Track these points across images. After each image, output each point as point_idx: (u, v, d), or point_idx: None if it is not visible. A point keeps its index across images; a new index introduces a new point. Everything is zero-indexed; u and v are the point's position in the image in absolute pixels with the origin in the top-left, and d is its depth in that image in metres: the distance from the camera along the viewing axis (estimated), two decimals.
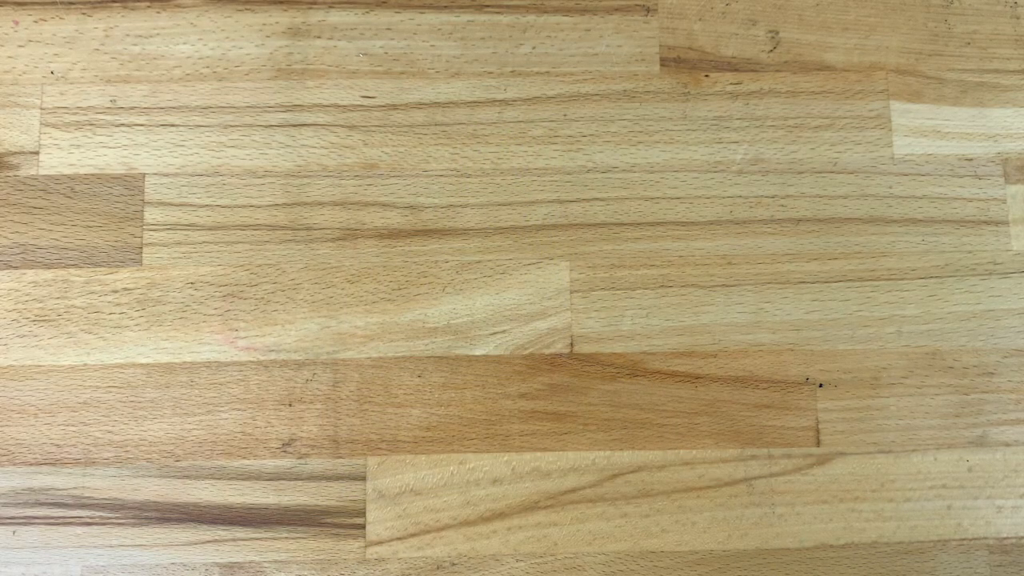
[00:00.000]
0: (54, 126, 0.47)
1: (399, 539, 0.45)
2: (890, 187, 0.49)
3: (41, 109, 0.48)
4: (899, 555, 0.46)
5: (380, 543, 0.45)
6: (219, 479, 0.45)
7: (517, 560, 0.45)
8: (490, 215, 0.48)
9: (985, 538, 0.47)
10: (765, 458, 0.47)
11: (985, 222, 0.49)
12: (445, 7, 0.49)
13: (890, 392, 0.47)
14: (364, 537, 0.45)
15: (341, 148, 0.48)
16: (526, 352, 0.47)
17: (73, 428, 0.45)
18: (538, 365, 0.47)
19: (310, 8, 0.49)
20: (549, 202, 0.48)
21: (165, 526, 0.45)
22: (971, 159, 0.49)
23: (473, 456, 0.46)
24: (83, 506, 0.45)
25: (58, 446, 0.45)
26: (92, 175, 0.47)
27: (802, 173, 0.49)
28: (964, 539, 0.47)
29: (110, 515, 0.45)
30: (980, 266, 0.49)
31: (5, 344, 0.46)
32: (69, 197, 0.47)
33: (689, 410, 0.47)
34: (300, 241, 0.47)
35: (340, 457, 0.46)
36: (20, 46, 0.48)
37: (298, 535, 0.45)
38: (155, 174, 0.47)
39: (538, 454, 0.46)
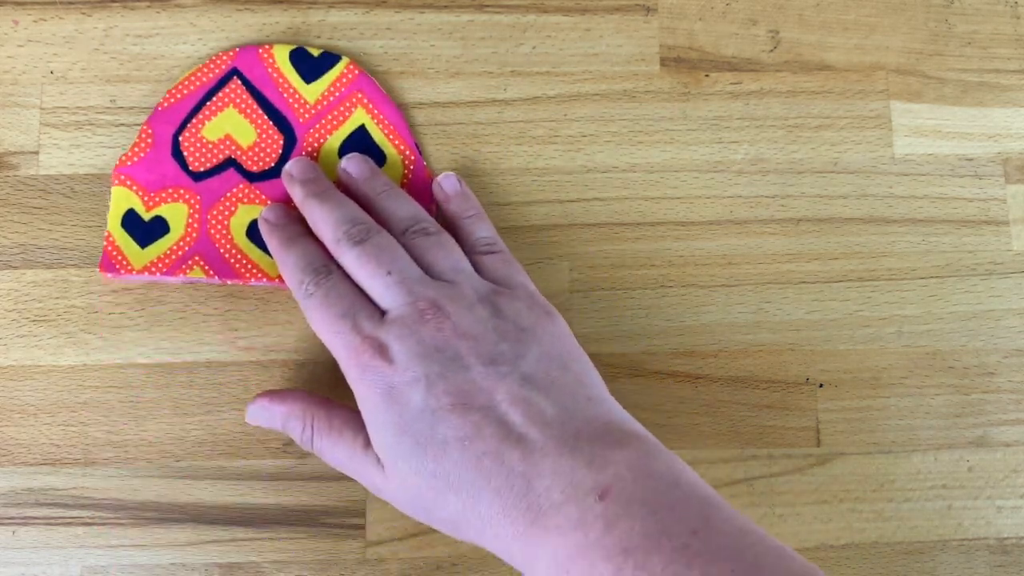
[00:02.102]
0: (54, 126, 0.47)
1: (399, 539, 0.45)
2: (890, 187, 0.49)
3: (41, 109, 0.48)
4: (899, 555, 0.46)
5: (380, 543, 0.45)
6: (219, 479, 0.45)
7: None
8: (490, 215, 0.48)
9: (985, 538, 0.47)
10: (765, 458, 0.47)
11: (985, 222, 0.49)
12: (445, 7, 0.49)
13: (890, 392, 0.47)
14: (364, 537, 0.45)
15: None
16: None
17: (73, 428, 0.45)
18: None
19: (310, 8, 0.49)
20: (549, 202, 0.48)
21: (165, 526, 0.45)
22: (971, 159, 0.49)
23: None
24: (83, 506, 0.45)
25: (58, 446, 0.45)
26: (92, 175, 0.47)
27: (802, 173, 0.49)
28: (964, 539, 0.47)
29: (110, 515, 0.45)
30: (980, 266, 0.49)
31: (5, 344, 0.46)
32: (69, 197, 0.47)
33: (689, 410, 0.47)
34: None
35: None
36: (20, 46, 0.48)
37: (298, 535, 0.45)
38: None
39: None
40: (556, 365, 0.39)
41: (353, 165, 0.45)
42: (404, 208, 0.43)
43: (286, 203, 0.45)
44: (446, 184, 0.45)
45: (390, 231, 0.41)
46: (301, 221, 0.44)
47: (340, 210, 0.42)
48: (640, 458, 0.36)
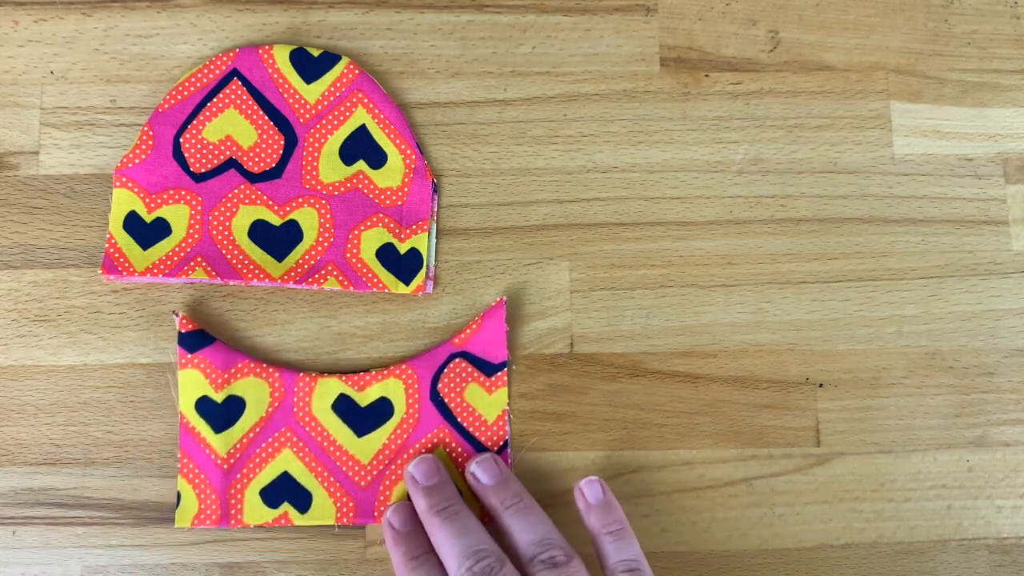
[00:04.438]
0: (54, 126, 0.47)
1: None
2: (890, 187, 0.49)
3: (41, 109, 0.48)
4: (899, 555, 0.46)
5: (380, 543, 0.45)
6: None
7: None
8: (490, 215, 0.48)
9: (985, 538, 0.47)
10: (765, 458, 0.47)
11: (985, 222, 0.49)
12: (445, 7, 0.49)
13: (890, 392, 0.47)
14: (364, 537, 0.45)
15: None
16: (526, 352, 0.47)
17: (73, 428, 0.45)
18: (538, 365, 0.47)
19: (310, 8, 0.49)
20: (549, 202, 0.48)
21: (165, 526, 0.45)
22: (971, 159, 0.49)
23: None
24: (83, 506, 0.45)
25: (58, 446, 0.45)
26: (92, 175, 0.47)
27: (802, 173, 0.49)
28: (964, 539, 0.47)
29: (110, 515, 0.45)
30: (980, 266, 0.49)
31: (5, 344, 0.46)
32: (69, 197, 0.47)
33: (689, 410, 0.47)
34: None
35: None
36: (20, 46, 0.48)
37: (298, 535, 0.45)
38: None
39: (538, 454, 0.46)
40: None
41: (483, 470, 0.42)
42: (533, 529, 0.40)
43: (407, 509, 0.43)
44: (589, 492, 0.42)
45: (516, 553, 0.39)
46: (425, 534, 0.41)
47: (465, 538, 0.39)
48: None
